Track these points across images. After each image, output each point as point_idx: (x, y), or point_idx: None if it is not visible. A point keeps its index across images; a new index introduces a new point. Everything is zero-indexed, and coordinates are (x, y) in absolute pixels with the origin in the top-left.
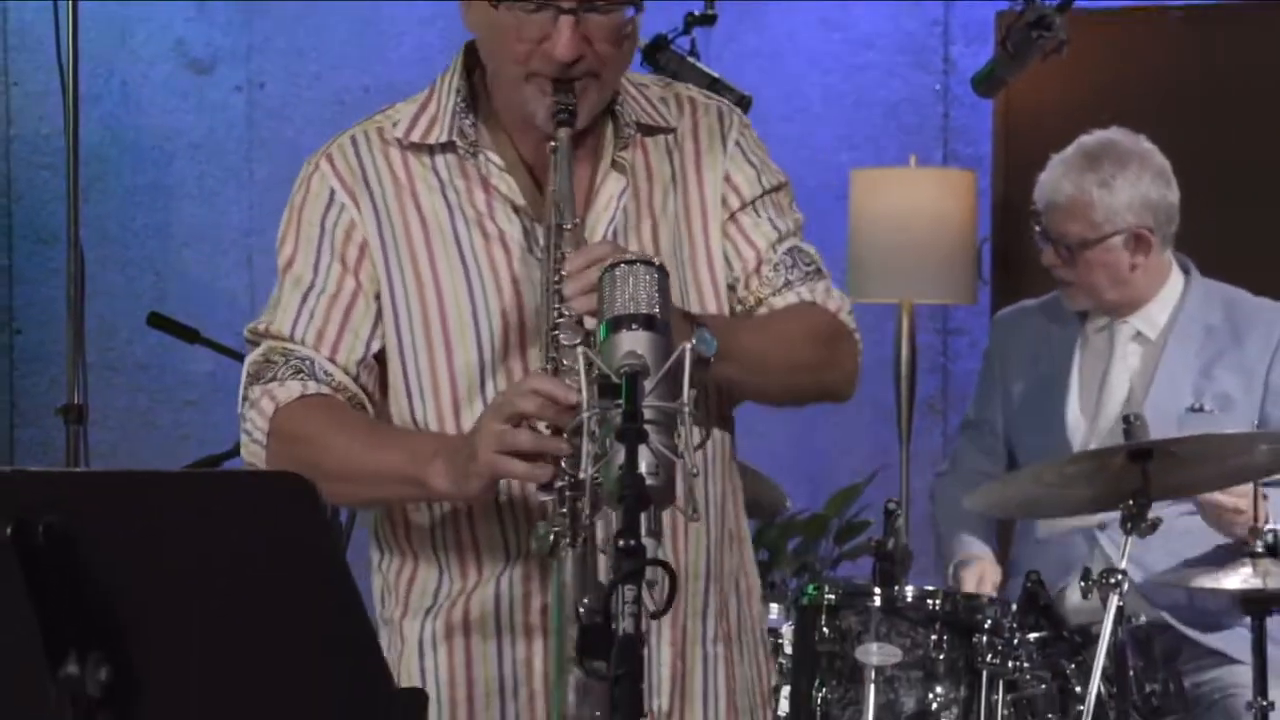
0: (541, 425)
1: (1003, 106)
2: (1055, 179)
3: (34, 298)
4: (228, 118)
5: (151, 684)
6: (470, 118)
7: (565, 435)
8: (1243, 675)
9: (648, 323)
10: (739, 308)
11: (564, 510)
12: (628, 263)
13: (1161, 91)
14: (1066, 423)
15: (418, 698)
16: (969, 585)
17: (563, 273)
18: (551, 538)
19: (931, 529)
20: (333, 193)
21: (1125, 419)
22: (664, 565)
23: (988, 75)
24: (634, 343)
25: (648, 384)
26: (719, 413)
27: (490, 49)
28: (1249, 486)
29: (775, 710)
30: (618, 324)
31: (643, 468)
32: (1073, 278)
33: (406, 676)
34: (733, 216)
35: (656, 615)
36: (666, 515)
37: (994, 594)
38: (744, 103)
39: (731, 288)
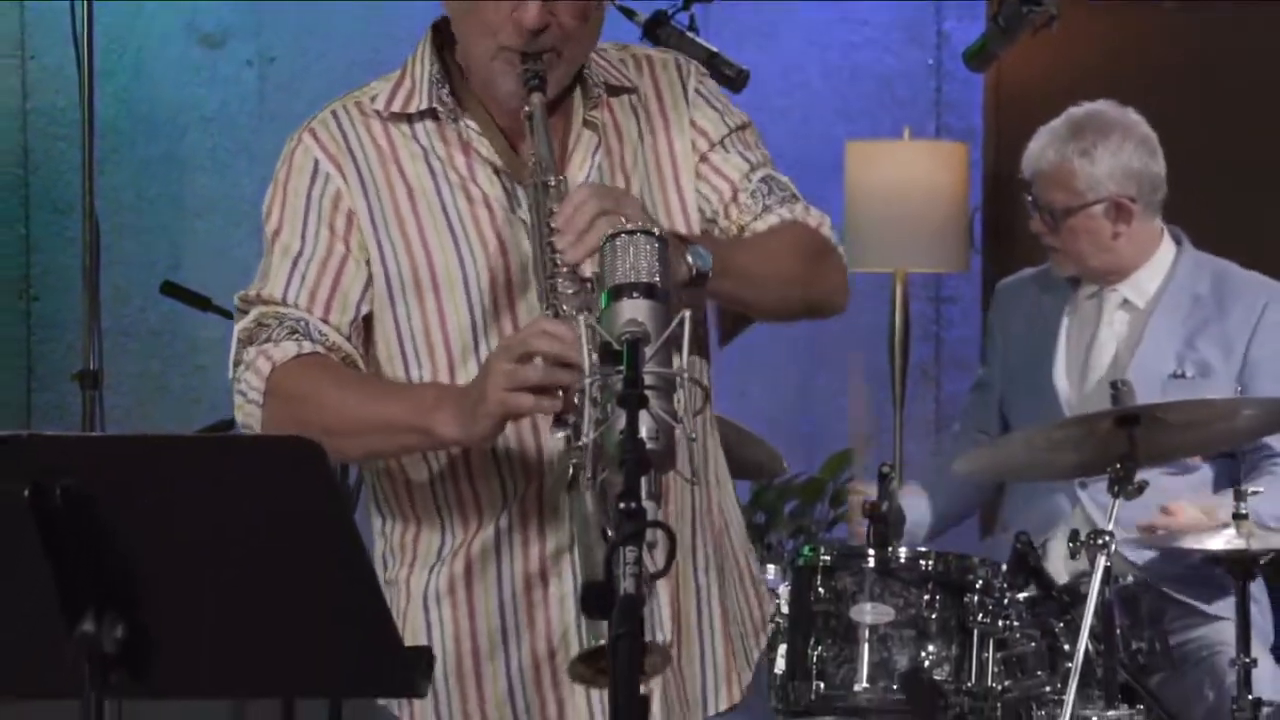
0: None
1: (994, 81)
2: (1041, 148)
3: (50, 266)
4: (239, 92)
5: (164, 642)
6: (446, 87)
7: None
8: (1226, 633)
9: (648, 291)
10: (723, 238)
11: (580, 444)
12: (628, 232)
13: (1152, 67)
14: (1055, 387)
15: (423, 655)
16: (853, 505)
17: (553, 225)
18: (571, 470)
19: None
20: (317, 163)
21: (1113, 384)
22: (664, 527)
23: (979, 49)
24: (635, 311)
25: (648, 351)
26: (695, 349)
27: (462, 26)
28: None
29: (767, 635)
30: (619, 292)
31: (643, 432)
32: (1059, 244)
33: (412, 633)
34: (703, 158)
35: (657, 576)
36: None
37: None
38: (742, 77)
39: (712, 223)
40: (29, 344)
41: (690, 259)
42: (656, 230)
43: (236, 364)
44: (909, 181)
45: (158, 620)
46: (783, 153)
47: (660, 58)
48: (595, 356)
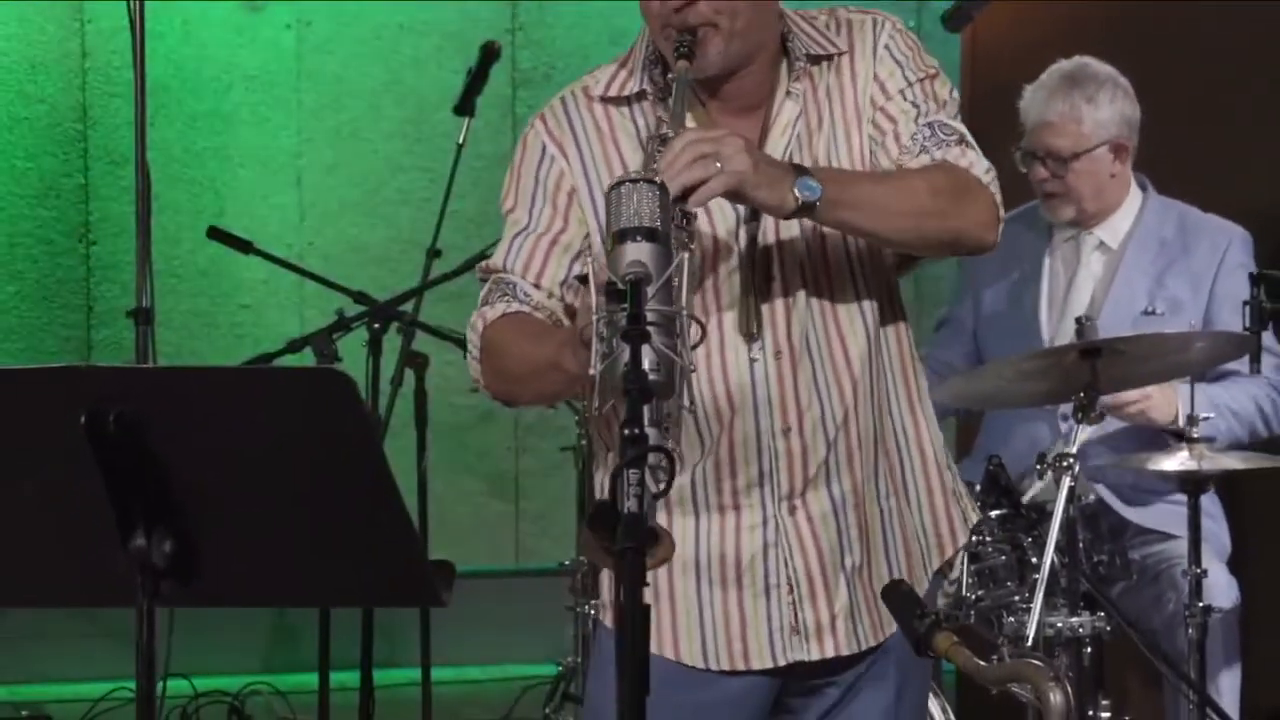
0: None
1: (969, 43)
2: (1042, 100)
3: (107, 213)
4: (279, 52)
5: (209, 555)
6: (658, 68)
7: None
8: (1180, 548)
9: (650, 235)
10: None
11: (599, 410)
12: (631, 181)
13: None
14: (1040, 325)
15: (446, 568)
16: None
17: (655, 168)
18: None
19: None
20: (544, 147)
21: (1077, 320)
22: (665, 451)
23: (955, 10)
24: (637, 253)
25: (650, 290)
26: (870, 299)
27: (642, 11)
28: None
29: (957, 546)
30: (623, 236)
31: (645, 364)
32: (1062, 189)
33: None
34: (880, 108)
35: (658, 496)
36: (843, 400)
37: None
38: None
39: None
40: (89, 284)
41: (796, 190)
42: (657, 179)
43: (470, 326)
44: None
45: (203, 535)
46: None
47: (859, 19)
48: (601, 296)
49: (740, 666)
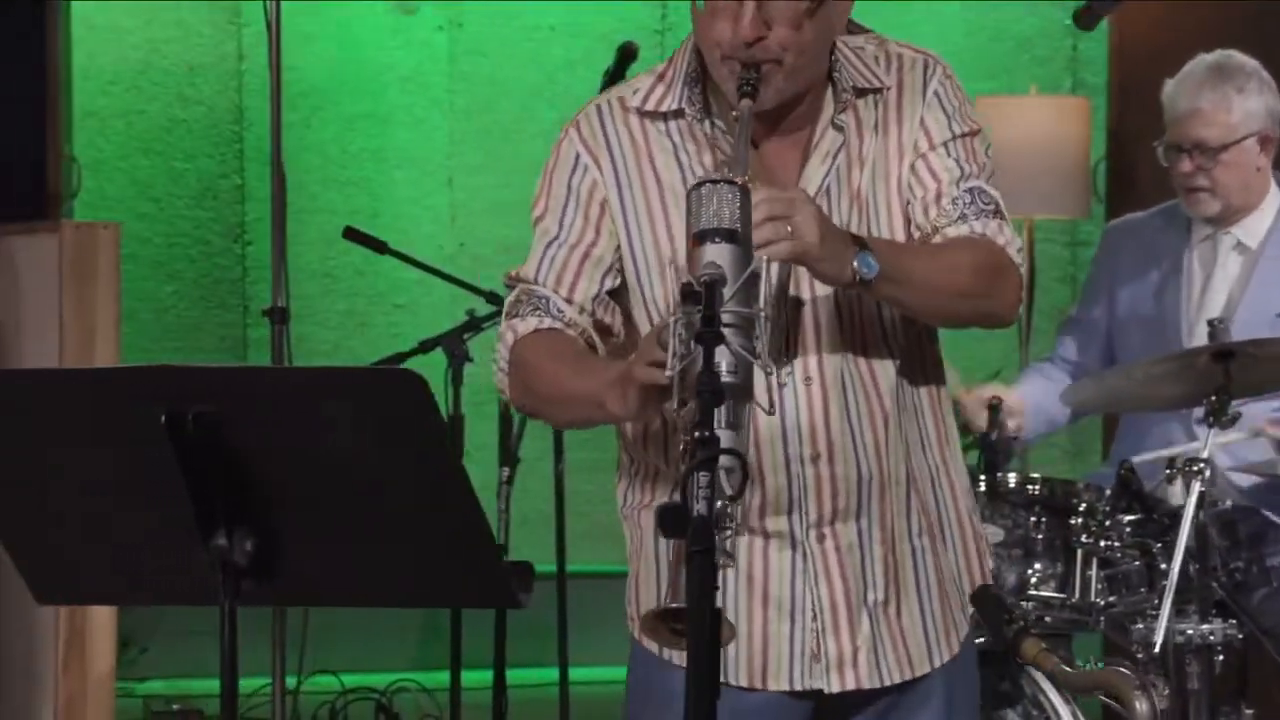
0: None
1: (1117, 38)
2: (1190, 91)
3: (262, 213)
4: (431, 54)
5: (288, 554)
6: (699, 87)
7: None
8: None
9: (729, 236)
10: (916, 234)
11: (679, 411)
12: (713, 182)
13: (1259, 24)
14: (1180, 326)
15: (522, 569)
16: (964, 399)
17: None
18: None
19: None
20: (578, 156)
21: (1209, 323)
22: (737, 454)
23: (1085, 9)
24: (716, 254)
25: (727, 291)
26: (902, 335)
27: (697, 33)
28: None
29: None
30: (702, 237)
31: (722, 366)
32: (1207, 183)
33: (646, 560)
34: (922, 155)
35: (733, 499)
36: (874, 432)
37: (988, 418)
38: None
39: (910, 219)
40: (244, 284)
41: (856, 264)
42: (739, 180)
43: (498, 337)
44: (1034, 135)
45: (282, 534)
46: None
47: (910, 56)
48: (678, 297)
49: (758, 685)
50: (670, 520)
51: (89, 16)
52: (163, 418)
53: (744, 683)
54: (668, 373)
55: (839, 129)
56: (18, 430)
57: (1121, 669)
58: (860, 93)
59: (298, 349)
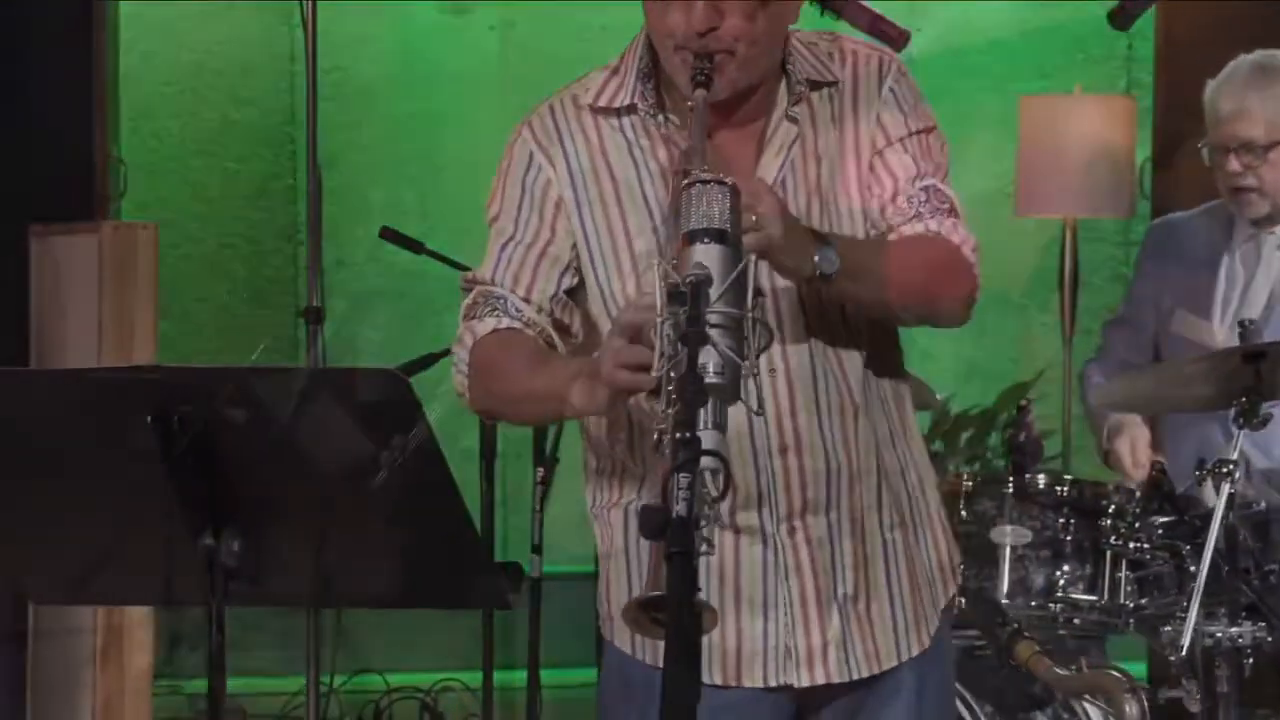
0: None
1: (1162, 38)
2: (1234, 91)
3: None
4: (482, 54)
5: (276, 555)
6: (651, 82)
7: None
8: None
9: (719, 236)
10: (872, 232)
11: (667, 411)
12: (703, 181)
13: None
14: (1213, 326)
15: (510, 569)
16: (1123, 450)
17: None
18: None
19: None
20: (531, 155)
21: (1241, 324)
22: (719, 455)
23: (1119, 9)
24: (703, 255)
25: (715, 292)
26: (869, 329)
27: (651, 26)
28: None
29: (958, 581)
30: (692, 237)
31: (710, 367)
32: (1255, 183)
33: (617, 559)
34: (879, 153)
35: (717, 500)
36: (843, 424)
37: (1148, 457)
38: (903, 37)
39: (867, 215)
40: (296, 284)
41: (817, 259)
42: (729, 180)
43: (456, 339)
44: (1080, 134)
45: (269, 534)
46: (983, 110)
47: (865, 53)
48: (664, 297)
49: (731, 683)
50: (650, 522)
51: (142, 18)
52: (148, 419)
53: (718, 680)
54: (654, 373)
55: (793, 121)
56: (4, 431)
57: (1112, 671)
58: (814, 86)
59: (345, 349)
